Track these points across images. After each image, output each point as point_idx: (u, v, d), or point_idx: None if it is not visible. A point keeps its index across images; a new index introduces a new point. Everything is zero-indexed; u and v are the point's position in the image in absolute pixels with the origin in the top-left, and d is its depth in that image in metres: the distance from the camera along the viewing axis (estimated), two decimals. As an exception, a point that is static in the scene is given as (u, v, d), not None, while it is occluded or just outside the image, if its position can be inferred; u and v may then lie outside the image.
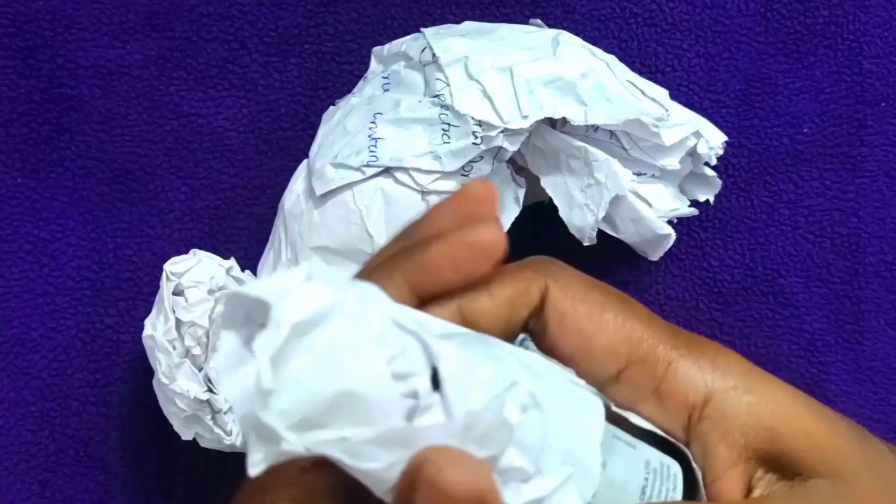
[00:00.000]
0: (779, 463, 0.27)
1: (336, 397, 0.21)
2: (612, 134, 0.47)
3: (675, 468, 0.27)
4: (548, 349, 0.28)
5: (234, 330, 0.22)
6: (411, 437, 0.22)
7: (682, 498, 0.26)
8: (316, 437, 0.21)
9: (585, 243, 0.46)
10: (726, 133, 0.51)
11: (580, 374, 0.28)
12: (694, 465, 0.26)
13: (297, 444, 0.21)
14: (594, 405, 0.26)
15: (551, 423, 0.24)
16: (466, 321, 0.27)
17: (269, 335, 0.21)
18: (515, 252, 0.52)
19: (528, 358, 0.26)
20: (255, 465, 0.21)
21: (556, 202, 0.47)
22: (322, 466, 0.24)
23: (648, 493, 0.26)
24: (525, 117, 0.44)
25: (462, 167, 0.44)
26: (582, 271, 0.56)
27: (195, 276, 0.48)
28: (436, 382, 0.23)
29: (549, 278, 0.29)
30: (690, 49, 0.56)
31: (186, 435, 0.48)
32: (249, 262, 0.53)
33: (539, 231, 0.54)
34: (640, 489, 0.26)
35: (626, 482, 0.26)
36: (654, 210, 0.47)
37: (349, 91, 0.51)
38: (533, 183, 0.48)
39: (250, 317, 0.22)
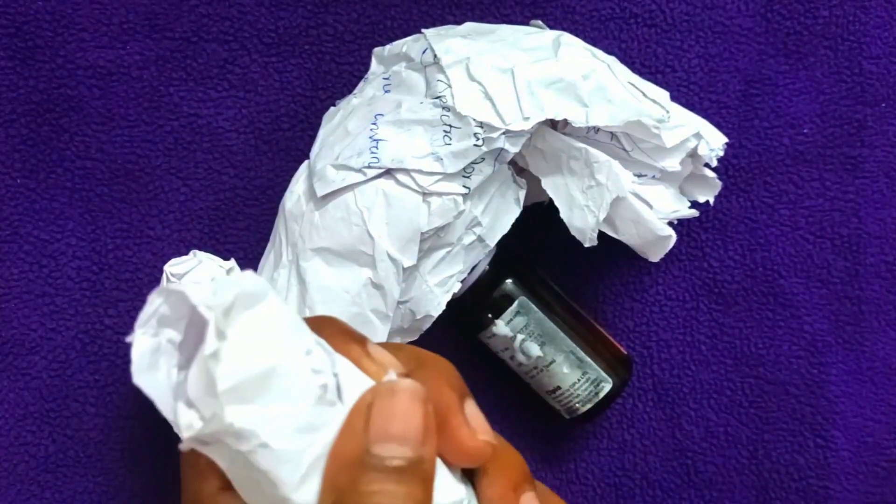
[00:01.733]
0: None
1: (266, 372, 0.23)
2: (612, 135, 0.47)
3: None
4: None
5: (147, 331, 0.24)
6: (322, 421, 0.25)
7: None
8: (244, 410, 0.23)
9: (586, 244, 0.46)
10: (726, 134, 0.51)
11: None
12: None
13: (228, 414, 0.23)
14: None
15: None
16: None
17: (219, 299, 0.23)
18: (516, 252, 0.53)
19: None
20: (189, 428, 0.23)
21: (556, 203, 0.47)
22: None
23: None
24: (526, 119, 0.44)
25: (463, 168, 0.44)
26: (583, 272, 0.57)
27: (195, 277, 0.48)
28: (337, 391, 0.26)
29: None
30: (690, 49, 0.56)
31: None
32: (249, 263, 0.53)
33: (539, 232, 0.54)
34: None
35: None
36: (655, 211, 0.47)
37: (349, 91, 0.51)
38: (534, 184, 0.48)
39: (163, 320, 0.24)
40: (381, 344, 0.29)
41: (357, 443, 0.25)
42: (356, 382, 0.26)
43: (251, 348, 0.23)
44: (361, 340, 0.28)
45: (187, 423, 0.23)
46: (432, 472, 0.26)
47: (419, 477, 0.25)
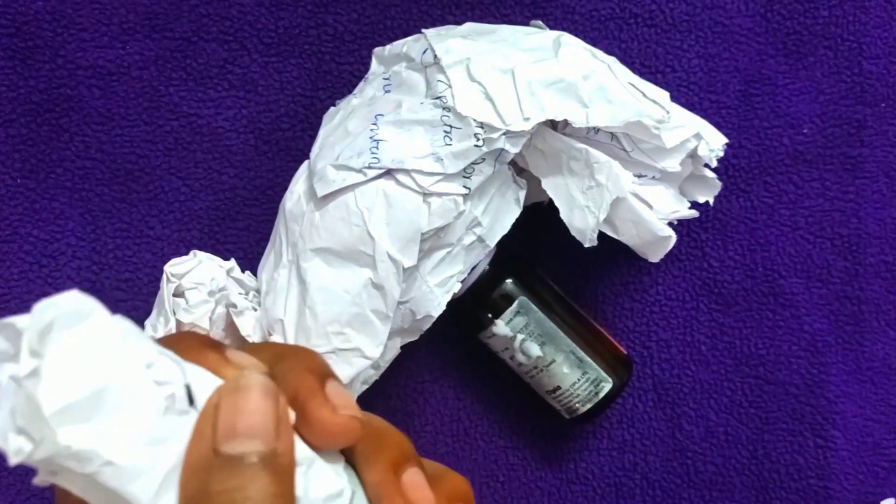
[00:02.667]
0: None
1: (99, 389, 0.23)
2: (613, 136, 0.47)
3: None
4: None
5: None
6: (173, 432, 0.24)
7: None
8: (80, 430, 0.22)
9: (586, 245, 0.46)
10: (726, 134, 0.51)
11: None
12: None
13: (62, 437, 0.22)
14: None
15: None
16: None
17: (35, 320, 0.22)
18: (516, 252, 0.53)
19: None
20: (18, 453, 0.22)
21: (557, 204, 0.47)
22: None
23: None
24: (527, 119, 0.43)
25: (464, 169, 0.44)
26: (583, 272, 0.57)
27: (196, 277, 0.48)
28: (190, 399, 0.25)
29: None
30: (690, 49, 0.56)
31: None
32: (249, 263, 0.53)
33: (539, 232, 0.54)
34: None
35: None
36: (655, 212, 0.47)
37: (349, 91, 0.51)
38: (534, 184, 0.48)
39: (2, 355, 0.23)
40: (243, 346, 0.29)
41: (206, 445, 0.24)
42: (212, 389, 0.26)
43: (77, 367, 0.22)
44: (219, 348, 0.28)
45: (16, 448, 0.22)
46: (289, 464, 0.25)
47: (273, 471, 0.24)
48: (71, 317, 0.23)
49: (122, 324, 0.24)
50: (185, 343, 0.27)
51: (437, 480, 0.30)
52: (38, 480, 0.23)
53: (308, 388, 0.27)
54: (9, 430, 0.22)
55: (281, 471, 0.25)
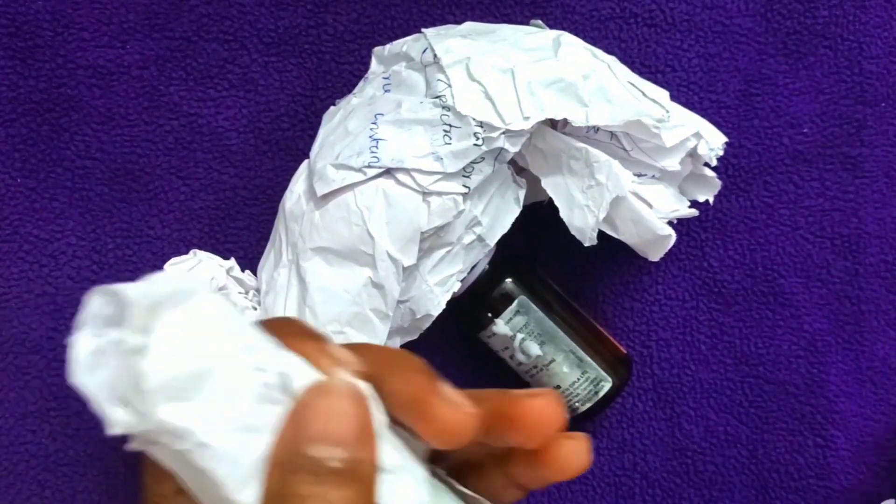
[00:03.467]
0: None
1: (201, 369, 0.23)
2: (612, 135, 0.47)
3: None
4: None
5: (90, 331, 0.24)
6: (266, 420, 0.24)
7: None
8: (179, 408, 0.23)
9: (586, 244, 0.46)
10: (726, 133, 0.51)
11: None
12: None
13: (161, 413, 0.22)
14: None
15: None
16: None
17: (144, 293, 0.22)
18: (516, 251, 0.53)
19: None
20: (116, 424, 0.22)
21: (556, 203, 0.47)
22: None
23: None
24: (526, 118, 0.44)
25: (463, 168, 0.44)
26: (583, 272, 0.57)
27: (196, 276, 0.48)
28: (284, 389, 0.25)
29: None
30: (690, 49, 0.56)
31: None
32: (249, 263, 0.53)
33: (539, 231, 0.54)
34: None
35: None
36: (655, 211, 0.48)
37: (349, 91, 0.51)
38: (533, 183, 0.48)
39: (109, 320, 0.24)
40: (347, 345, 0.29)
41: (290, 443, 0.24)
42: (307, 380, 0.26)
43: (182, 345, 0.23)
44: (318, 339, 0.28)
45: (115, 420, 0.22)
46: (370, 473, 0.25)
47: (356, 480, 0.24)
48: (180, 294, 0.23)
49: (226, 306, 0.24)
50: (285, 329, 0.27)
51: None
52: (134, 446, 0.24)
53: (426, 388, 0.27)
54: (108, 400, 0.23)
55: (364, 480, 0.25)
